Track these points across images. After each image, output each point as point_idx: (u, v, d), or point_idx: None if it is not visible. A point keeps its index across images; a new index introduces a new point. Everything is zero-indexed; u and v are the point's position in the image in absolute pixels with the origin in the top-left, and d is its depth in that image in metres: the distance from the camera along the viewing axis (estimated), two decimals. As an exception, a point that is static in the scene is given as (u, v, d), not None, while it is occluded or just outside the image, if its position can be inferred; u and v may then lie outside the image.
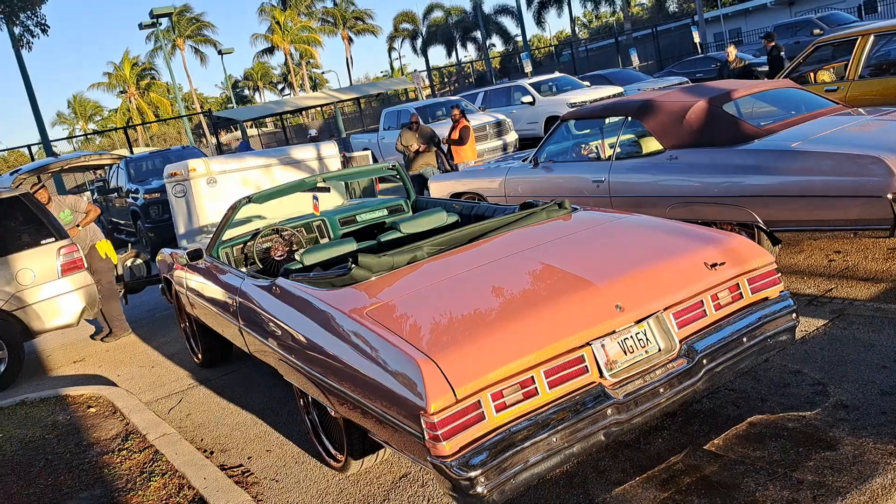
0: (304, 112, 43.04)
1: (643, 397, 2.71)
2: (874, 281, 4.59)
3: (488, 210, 4.77)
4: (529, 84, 18.26)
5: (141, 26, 32.17)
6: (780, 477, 2.73)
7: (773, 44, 13.10)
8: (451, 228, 4.51)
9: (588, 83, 19.06)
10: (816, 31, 22.84)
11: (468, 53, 66.24)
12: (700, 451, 3.03)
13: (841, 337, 3.86)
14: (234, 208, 4.58)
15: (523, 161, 6.75)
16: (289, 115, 39.41)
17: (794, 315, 3.18)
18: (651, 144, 5.62)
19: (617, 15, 46.86)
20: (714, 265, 3.07)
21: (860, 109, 5.72)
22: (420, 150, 10.77)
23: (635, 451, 3.14)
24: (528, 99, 17.75)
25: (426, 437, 2.41)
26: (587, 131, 6.45)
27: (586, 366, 2.69)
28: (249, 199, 4.54)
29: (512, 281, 3.04)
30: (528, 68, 24.36)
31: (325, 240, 5.37)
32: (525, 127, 17.73)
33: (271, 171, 8.28)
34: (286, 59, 59.11)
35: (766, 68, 14.13)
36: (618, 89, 17.47)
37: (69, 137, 52.25)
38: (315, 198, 5.21)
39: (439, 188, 7.72)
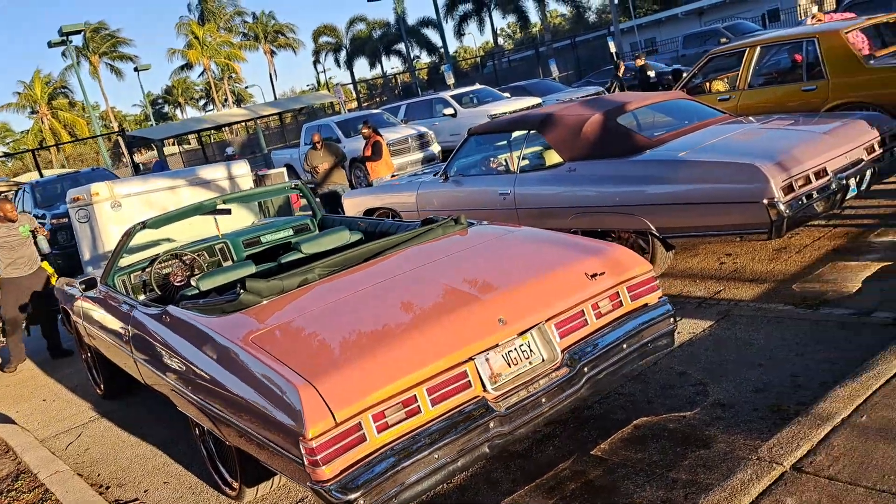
0: (227, 128, 42.28)
1: (526, 408, 2.79)
2: (758, 282, 4.84)
3: (392, 227, 4.80)
4: (450, 96, 18.45)
5: (50, 44, 30.96)
6: (657, 477, 2.85)
7: (642, 64, 13.91)
8: (354, 247, 4.53)
9: (508, 94, 19.40)
10: (723, 41, 23.88)
11: (395, 66, 66.47)
12: (587, 457, 3.14)
13: (724, 337, 4.06)
14: (129, 234, 4.47)
15: (434, 175, 6.82)
16: (211, 131, 38.66)
17: (672, 320, 3.32)
18: (553, 157, 5.78)
19: (539, 27, 47.88)
20: (595, 275, 3.19)
21: (749, 118, 6.03)
22: (327, 168, 10.74)
23: (527, 460, 3.22)
24: (449, 111, 17.93)
25: (306, 463, 2.41)
26: (494, 145, 6.57)
27: (469, 381, 2.75)
28: (144, 225, 4.45)
29: (399, 300, 3.08)
30: (451, 80, 24.60)
31: (229, 262, 5.29)
32: (448, 139, 17.87)
33: (179, 192, 8.09)
34: (206, 74, 57.87)
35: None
36: (536, 100, 17.83)
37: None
38: (215, 220, 5.13)
39: (353, 205, 7.72)
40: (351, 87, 48.02)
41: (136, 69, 47.69)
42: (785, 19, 33.64)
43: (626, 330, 3.16)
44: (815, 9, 10.52)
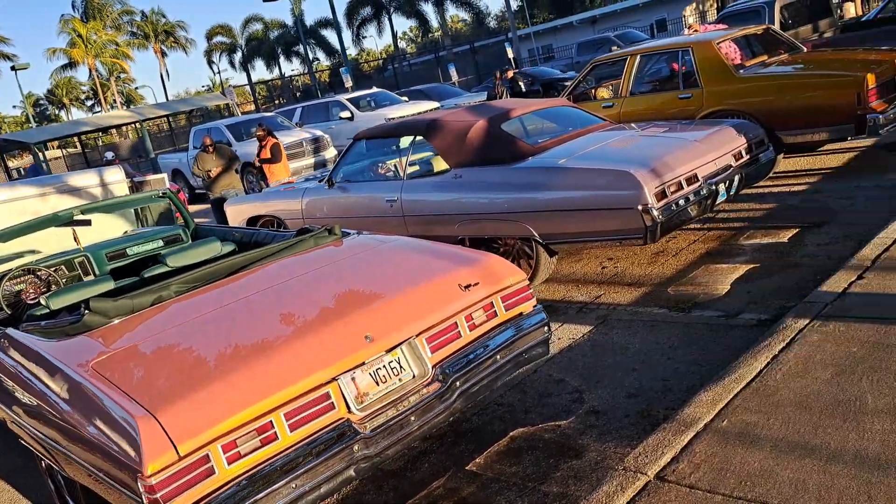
0: (115, 131, 40.02)
1: (393, 428, 2.68)
2: (636, 285, 4.94)
3: (267, 237, 4.59)
4: (347, 99, 18.20)
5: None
6: (529, 491, 2.80)
7: (512, 75, 14.21)
8: (224, 259, 4.28)
9: (406, 98, 19.34)
10: (614, 48, 24.78)
11: (295, 68, 65.18)
12: (462, 473, 3.06)
13: (601, 342, 4.10)
14: (-30, 250, 4.06)
15: (319, 181, 6.62)
16: (99, 134, 36.45)
17: (546, 328, 3.30)
18: (440, 163, 5.71)
19: (440, 31, 48.17)
20: (468, 286, 3.12)
21: (628, 125, 6.17)
22: (219, 172, 10.31)
23: (400, 480, 3.11)
24: (346, 114, 17.68)
25: (144, 502, 2.20)
26: (381, 150, 6.45)
27: (332, 403, 2.61)
28: (-11, 239, 4.05)
29: (258, 318, 2.90)
30: (349, 83, 24.28)
31: (91, 277, 4.91)
32: (345, 143, 17.37)
33: (48, 200, 7.49)
34: (91, 74, 54.81)
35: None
36: (434, 104, 17.85)
37: None
38: (74, 231, 4.76)
39: (235, 213, 7.40)
40: (248, 88, 46.79)
41: (13, 68, 44.55)
42: (672, 29, 35.31)
43: (500, 341, 3.11)
44: (691, 20, 10.98)
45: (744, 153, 5.29)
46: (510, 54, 29.53)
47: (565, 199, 4.82)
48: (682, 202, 4.66)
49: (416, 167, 5.88)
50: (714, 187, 4.86)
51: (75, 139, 39.10)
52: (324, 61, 57.92)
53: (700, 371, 3.50)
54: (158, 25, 56.75)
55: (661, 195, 4.56)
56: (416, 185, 5.70)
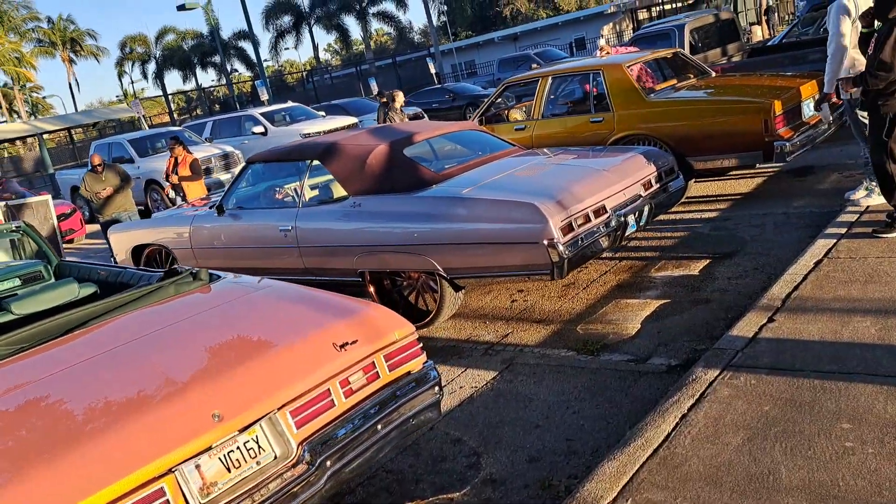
0: (20, 142, 37.67)
1: (244, 526, 2.25)
2: (546, 322, 4.65)
3: (133, 278, 4.05)
4: (260, 113, 17.52)
5: None
6: (410, 590, 2.42)
7: (384, 100, 13.76)
8: (81, 305, 3.74)
9: (324, 113, 18.78)
10: (534, 66, 24.95)
11: (213, 79, 63.33)
12: (336, 564, 2.65)
13: (505, 392, 3.77)
14: None
15: (210, 207, 6.09)
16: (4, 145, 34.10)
17: (437, 388, 2.94)
18: (338, 190, 5.30)
19: (361, 44, 47.66)
20: (345, 344, 2.72)
21: (538, 150, 5.92)
22: (111, 194, 9.55)
23: (265, 575, 2.66)
24: (259, 129, 16.98)
25: None
26: (277, 175, 5.97)
27: (168, 500, 2.15)
28: None
29: (85, 393, 2.41)
30: (265, 96, 23.48)
31: None
32: (258, 159, 16.92)
33: None
34: (-5, 81, 51.75)
35: None
36: (352, 120, 17.39)
37: None
38: None
39: (119, 241, 6.75)
40: (163, 99, 44.95)
41: None
42: (590, 48, 36.06)
43: (381, 408, 2.72)
44: (602, 41, 10.98)
45: (654, 182, 5.10)
46: (432, 69, 29.43)
47: (469, 231, 4.49)
48: (590, 235, 4.40)
49: (313, 194, 5.44)
50: (623, 219, 4.62)
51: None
52: (244, 73, 56.47)
53: (607, 428, 3.20)
54: (67, 33, 54.13)
55: (568, 228, 4.28)
56: (313, 214, 5.26)
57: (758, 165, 6.47)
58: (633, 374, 3.67)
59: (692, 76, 7.38)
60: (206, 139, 17.02)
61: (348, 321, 2.84)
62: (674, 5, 32.72)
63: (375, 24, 45.91)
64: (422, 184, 4.95)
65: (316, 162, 5.39)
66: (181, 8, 29.96)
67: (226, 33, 48.98)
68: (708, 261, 5.15)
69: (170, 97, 45.63)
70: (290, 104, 19.02)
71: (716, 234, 5.74)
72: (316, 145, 5.54)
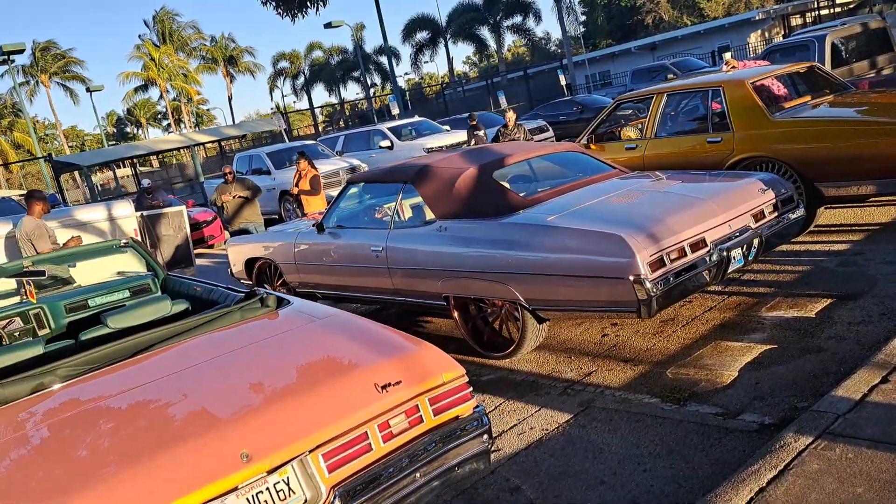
0: (181, 152, 41.13)
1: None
2: (634, 362, 4.34)
3: (221, 296, 4.20)
4: (388, 128, 17.99)
5: (-10, 64, 29.91)
6: None
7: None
8: (179, 319, 3.91)
9: (448, 127, 19.00)
10: (670, 77, 23.94)
11: (358, 92, 66.06)
12: None
13: (576, 438, 3.52)
14: None
15: (313, 225, 6.24)
16: (175, 152, 37.39)
17: (486, 437, 2.78)
18: (428, 213, 5.26)
19: (497, 56, 47.97)
20: (387, 386, 2.63)
21: (640, 173, 5.59)
22: (240, 205, 10.10)
23: None
24: (386, 143, 17.44)
25: None
26: (374, 196, 6.03)
27: (188, 539, 2.15)
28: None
29: (127, 423, 2.48)
30: (396, 111, 24.13)
31: (46, 331, 4.62)
32: (385, 172, 17.35)
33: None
34: (162, 95, 56.88)
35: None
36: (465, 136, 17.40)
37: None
38: (28, 283, 4.49)
39: (236, 254, 7.08)
40: (311, 113, 47.47)
41: (88, 90, 46.70)
42: (735, 57, 34.13)
43: (422, 455, 2.60)
44: (728, 55, 10.26)
45: (767, 213, 4.64)
46: (563, 81, 29.01)
47: (551, 261, 4.28)
48: (684, 271, 4.06)
49: (404, 216, 5.44)
50: (725, 253, 4.23)
51: (149, 158, 40.03)
52: (385, 87, 58.51)
53: (677, 493, 2.90)
54: (227, 50, 58.45)
55: (659, 263, 3.97)
56: (402, 236, 5.24)
57: (900, 193, 5.75)
58: (718, 431, 3.32)
59: (829, 93, 6.71)
60: (336, 152, 17.69)
61: (394, 360, 2.75)
62: (832, 11, 30.28)
63: (511, 37, 46.15)
64: (508, 209, 4.79)
65: (408, 184, 5.38)
66: (328, 25, 31.57)
67: (368, 48, 50.88)
68: (828, 301, 4.61)
69: (316, 110, 48.03)
70: (416, 119, 19.39)
71: (843, 271, 5.15)
72: (409, 168, 5.52)
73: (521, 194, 5.02)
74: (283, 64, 57.23)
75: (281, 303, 3.46)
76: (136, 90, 57.89)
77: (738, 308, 4.85)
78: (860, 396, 3.05)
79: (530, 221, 4.53)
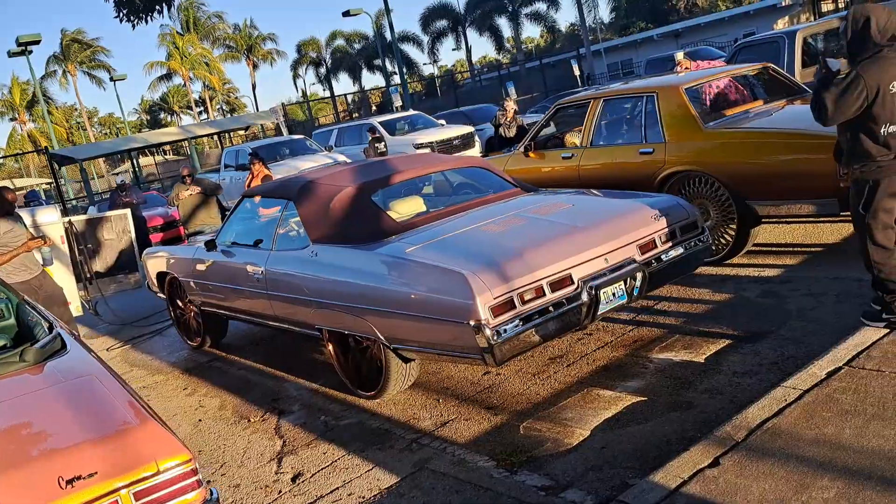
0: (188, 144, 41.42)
1: None
2: (497, 410, 3.90)
3: (31, 328, 3.86)
4: (379, 122, 17.54)
5: (10, 54, 30.24)
6: None
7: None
8: None
9: (443, 122, 18.50)
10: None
11: (380, 81, 65.67)
12: None
13: (383, 511, 3.12)
14: None
15: (205, 242, 5.86)
16: (197, 140, 37.56)
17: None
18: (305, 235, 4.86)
19: (532, 39, 47.11)
20: (75, 480, 2.25)
21: (541, 194, 4.98)
22: (191, 202, 9.83)
23: None
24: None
25: None
26: (263, 213, 5.63)
27: None
28: None
29: None
30: (398, 103, 23.66)
31: None
32: (375, 167, 16.95)
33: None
34: (185, 84, 57.34)
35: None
36: (468, 129, 16.90)
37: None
38: None
39: (150, 266, 6.77)
40: (331, 101, 47.23)
41: (111, 79, 47.18)
42: (688, 56, 32.87)
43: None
44: (680, 54, 9.58)
45: (659, 242, 4.14)
46: (576, 71, 28.19)
47: (402, 297, 3.86)
48: (539, 314, 3.59)
49: (286, 237, 5.03)
50: (594, 292, 3.75)
51: (166, 147, 40.32)
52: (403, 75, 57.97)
53: None
54: (251, 38, 58.51)
55: (507, 306, 3.51)
56: (280, 259, 4.85)
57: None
58: (531, 512, 2.88)
59: (783, 98, 6.10)
60: (326, 147, 17.34)
61: (98, 445, 2.37)
62: (862, -6, 28.86)
63: (529, 26, 45.19)
64: (381, 235, 4.37)
65: (291, 202, 4.98)
66: (346, 14, 31.27)
67: (389, 35, 50.38)
68: (726, 343, 4.11)
69: (336, 99, 47.81)
70: (411, 112, 18.95)
71: (760, 303, 4.62)
72: (294, 183, 5.13)
73: (399, 218, 4.58)
74: (306, 52, 57.08)
75: (54, 354, 3.11)
76: (159, 79, 58.36)
77: (632, 346, 4.37)
78: (676, 485, 2.58)
79: (391, 252, 4.10)
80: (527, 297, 3.58)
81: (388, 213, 4.61)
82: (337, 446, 3.89)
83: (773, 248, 5.71)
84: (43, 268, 6.25)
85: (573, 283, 3.73)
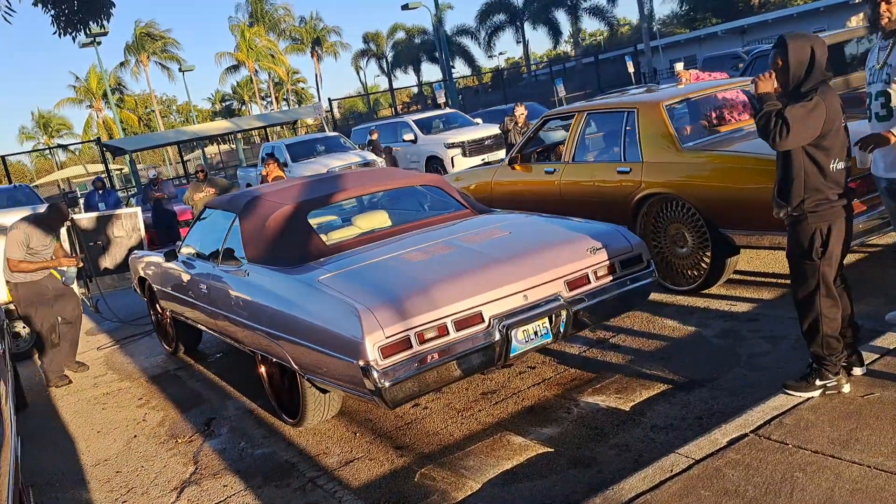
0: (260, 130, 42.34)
1: None
2: (404, 451, 3.70)
3: None
4: (414, 120, 17.42)
5: (81, 45, 31.50)
6: None
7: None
8: None
9: (480, 120, 18.21)
10: (741, 66, 22.11)
11: (438, 75, 65.66)
12: None
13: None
14: None
15: (165, 252, 5.84)
16: (253, 133, 38.45)
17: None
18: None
19: (602, 32, 46.15)
20: None
21: (486, 218, 4.68)
22: (203, 201, 9.90)
23: None
24: (409, 137, 16.89)
25: None
26: (218, 225, 5.54)
27: None
28: None
29: None
30: (442, 99, 23.47)
31: None
32: (408, 166, 16.88)
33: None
34: (251, 76, 58.68)
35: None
36: (496, 130, 16.56)
37: (31, 151, 51.90)
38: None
39: (133, 268, 6.84)
40: (390, 95, 47.48)
41: (181, 69, 48.65)
42: (686, 67, 31.21)
43: None
44: (679, 66, 9.03)
45: (593, 277, 3.85)
46: (630, 68, 27.35)
47: (306, 326, 3.70)
48: (440, 354, 3.38)
49: (229, 252, 4.91)
50: (506, 331, 3.51)
51: (228, 137, 41.28)
52: (460, 69, 57.77)
53: None
54: (316, 31, 59.32)
55: (402, 345, 3.31)
56: (221, 275, 4.77)
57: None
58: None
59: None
60: (360, 145, 17.32)
61: None
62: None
63: (592, 22, 44.07)
64: (306, 258, 4.23)
65: (237, 216, 4.88)
66: (405, 7, 31.30)
67: (448, 28, 50.12)
68: (662, 388, 3.80)
69: (395, 92, 48.00)
70: (447, 110, 18.73)
71: (714, 344, 4.27)
72: (243, 197, 5.03)
73: (330, 241, 4.43)
74: (367, 45, 57.53)
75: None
76: (227, 70, 59.84)
77: (568, 384, 4.11)
78: (512, 568, 2.34)
79: (304, 279, 3.94)
80: (427, 336, 3.37)
81: (319, 235, 4.46)
82: (240, 479, 3.77)
83: (755, 277, 5.31)
84: (50, 272, 6.25)
85: (483, 320, 3.50)
